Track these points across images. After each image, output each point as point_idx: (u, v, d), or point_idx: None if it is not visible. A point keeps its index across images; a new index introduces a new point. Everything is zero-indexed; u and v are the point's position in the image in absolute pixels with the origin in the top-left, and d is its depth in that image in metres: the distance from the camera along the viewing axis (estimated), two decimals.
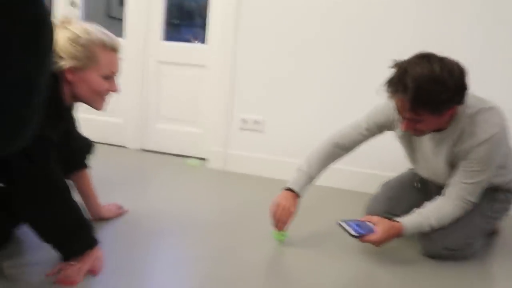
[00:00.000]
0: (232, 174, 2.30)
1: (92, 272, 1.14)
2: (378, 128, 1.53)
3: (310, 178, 1.54)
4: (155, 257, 1.31)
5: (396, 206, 1.60)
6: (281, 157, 2.27)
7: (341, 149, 1.57)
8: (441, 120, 1.31)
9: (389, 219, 1.40)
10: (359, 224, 1.37)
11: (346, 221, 1.38)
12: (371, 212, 1.61)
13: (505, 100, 1.60)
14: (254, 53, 2.24)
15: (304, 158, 1.58)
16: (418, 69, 1.21)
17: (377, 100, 2.10)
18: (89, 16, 2.66)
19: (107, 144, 2.62)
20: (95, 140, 1.57)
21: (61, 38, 1.14)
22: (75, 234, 1.13)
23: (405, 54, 1.32)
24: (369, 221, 1.38)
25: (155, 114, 2.59)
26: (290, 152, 2.25)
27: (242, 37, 2.24)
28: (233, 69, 2.28)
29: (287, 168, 2.25)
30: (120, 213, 1.58)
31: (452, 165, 1.40)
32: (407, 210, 1.49)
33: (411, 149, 1.54)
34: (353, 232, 1.32)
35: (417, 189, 1.66)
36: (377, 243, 1.34)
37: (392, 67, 1.29)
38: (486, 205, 1.46)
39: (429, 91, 1.20)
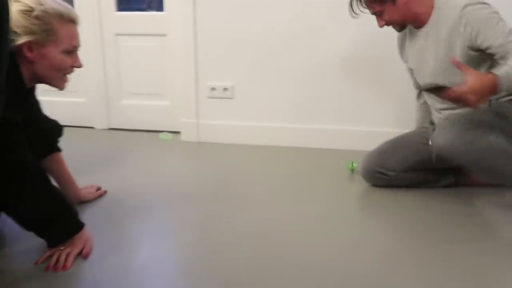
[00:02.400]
0: (207, 144, 2.28)
1: (83, 255, 1.12)
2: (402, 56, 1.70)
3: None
4: (144, 232, 1.30)
5: (389, 159, 1.59)
6: (253, 122, 2.26)
7: (417, 100, 1.78)
8: (399, 9, 1.45)
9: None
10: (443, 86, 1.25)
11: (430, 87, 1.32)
12: (364, 166, 1.64)
13: None
14: (216, 17, 2.16)
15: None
16: None
17: (348, 57, 2.11)
18: None
19: (72, 126, 2.50)
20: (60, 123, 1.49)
21: (13, 12, 1.05)
22: (59, 219, 1.09)
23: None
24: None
25: (118, 90, 2.48)
26: (262, 116, 2.24)
27: (201, 0, 2.15)
28: (195, 36, 2.20)
29: (260, 133, 2.26)
30: (99, 194, 1.54)
31: (468, 53, 1.36)
32: (400, 163, 1.55)
33: (420, 63, 1.56)
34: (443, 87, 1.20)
35: (419, 137, 1.63)
36: (472, 95, 1.13)
37: None
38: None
39: None
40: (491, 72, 1.20)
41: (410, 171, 1.60)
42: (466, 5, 1.35)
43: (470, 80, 1.15)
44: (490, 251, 1.20)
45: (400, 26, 1.53)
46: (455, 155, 1.32)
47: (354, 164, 1.76)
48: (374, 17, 1.52)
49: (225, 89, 2.25)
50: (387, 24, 1.51)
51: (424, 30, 1.49)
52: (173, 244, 1.24)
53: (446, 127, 1.37)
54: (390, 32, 1.62)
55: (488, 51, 1.33)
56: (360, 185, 1.69)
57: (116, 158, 2.03)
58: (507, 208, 1.48)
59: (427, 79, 1.53)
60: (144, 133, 2.45)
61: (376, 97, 2.11)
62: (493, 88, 1.16)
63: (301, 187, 1.67)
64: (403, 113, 2.09)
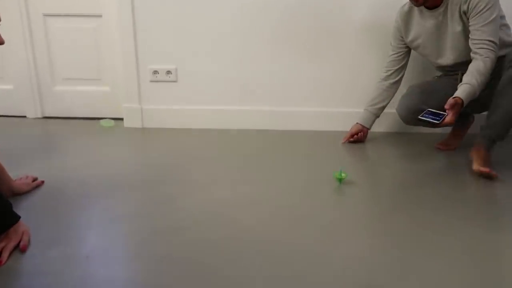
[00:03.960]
0: (151, 130, 2.22)
1: (20, 248, 1.05)
2: (399, 41, 1.84)
3: (375, 115, 1.97)
4: (86, 221, 1.24)
5: (429, 98, 1.72)
6: (199, 106, 2.23)
7: (386, 79, 1.91)
8: None
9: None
10: (432, 113, 1.55)
11: (423, 115, 1.56)
12: (407, 107, 1.75)
13: None
14: None
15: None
16: None
17: (297, 36, 2.11)
18: None
19: (1, 116, 2.31)
20: None
21: None
22: None
23: None
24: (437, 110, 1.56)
25: (50, 76, 2.32)
26: (208, 99, 2.22)
27: None
28: (134, 17, 2.11)
29: (207, 116, 2.24)
30: (36, 185, 1.44)
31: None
32: (438, 101, 1.62)
33: (433, 45, 1.73)
34: (435, 121, 1.52)
35: (445, 80, 1.81)
36: (452, 122, 1.52)
37: None
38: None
39: None
40: (456, 97, 1.53)
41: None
42: None
43: (450, 114, 1.52)
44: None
45: (427, 1, 1.63)
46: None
47: (343, 174, 1.51)
48: None
49: (168, 72, 2.19)
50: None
51: (440, 9, 1.65)
52: (119, 231, 1.19)
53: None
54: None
55: (469, 28, 1.59)
56: (305, 164, 1.74)
57: (53, 147, 1.90)
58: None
59: (447, 53, 1.71)
60: (83, 121, 2.32)
61: (320, 77, 2.17)
62: (461, 108, 1.55)
63: (249, 169, 1.69)
64: (353, 93, 2.17)
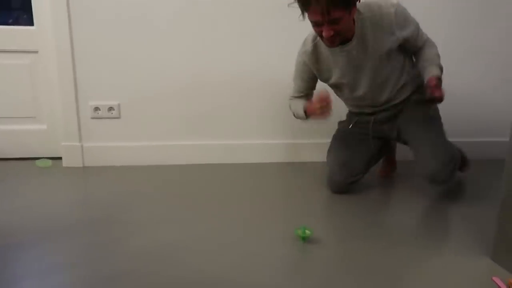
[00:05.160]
0: (93, 168, 2.11)
1: None
2: (306, 74, 1.73)
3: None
4: (19, 272, 1.13)
5: (354, 167, 1.76)
6: (144, 142, 2.17)
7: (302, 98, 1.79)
8: (350, 19, 1.49)
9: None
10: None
11: None
12: (333, 181, 1.77)
13: None
14: (94, 31, 2.03)
15: (295, 112, 1.80)
16: None
17: (239, 75, 2.15)
18: None
19: None
20: None
21: None
22: None
23: None
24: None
25: None
26: (152, 135, 2.17)
27: (76, 13, 2.01)
28: (73, 52, 2.04)
29: (152, 152, 2.18)
30: None
31: (389, 54, 1.59)
32: (364, 165, 1.76)
33: (355, 73, 1.64)
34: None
35: (359, 137, 1.81)
36: (442, 96, 1.50)
37: None
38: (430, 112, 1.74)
39: None
40: (435, 76, 1.55)
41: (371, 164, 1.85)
42: (396, 11, 1.53)
43: (437, 92, 1.51)
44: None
45: (341, 40, 1.52)
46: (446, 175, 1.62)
47: (307, 231, 1.35)
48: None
49: (111, 108, 2.13)
50: (335, 36, 1.47)
51: (353, 43, 1.56)
52: (58, 281, 1.10)
53: (429, 152, 1.63)
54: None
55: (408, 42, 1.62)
56: (249, 198, 1.74)
57: None
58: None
59: (364, 83, 1.66)
60: (17, 162, 2.16)
61: (264, 111, 2.22)
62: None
63: (196, 205, 1.65)
64: (294, 124, 2.23)
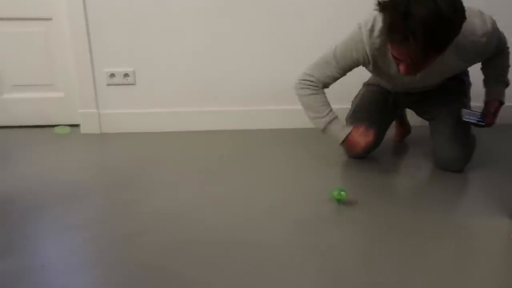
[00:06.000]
0: (110, 135, 2.13)
1: None
2: (350, 68, 1.47)
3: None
4: (40, 231, 1.17)
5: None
6: (160, 109, 2.17)
7: (322, 93, 1.54)
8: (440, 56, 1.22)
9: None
10: (473, 114, 1.52)
11: (466, 118, 1.51)
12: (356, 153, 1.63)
13: None
14: None
15: (310, 111, 1.56)
16: (422, 10, 1.03)
17: (259, 37, 2.07)
18: None
19: None
20: None
21: None
22: None
23: None
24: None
25: None
26: (168, 102, 2.17)
27: None
28: (87, 19, 2.02)
29: (168, 119, 2.19)
30: None
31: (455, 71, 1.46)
32: (381, 134, 1.67)
33: (389, 78, 1.51)
34: (481, 123, 1.52)
35: (382, 105, 1.68)
36: (493, 123, 1.51)
37: (383, 9, 1.10)
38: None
39: (440, 33, 1.08)
40: (493, 101, 1.53)
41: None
42: (486, 42, 1.32)
43: (491, 116, 1.52)
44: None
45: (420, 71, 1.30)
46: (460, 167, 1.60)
47: (342, 193, 1.31)
48: None
49: (126, 74, 2.12)
50: (415, 73, 1.27)
51: None
52: (77, 239, 1.13)
53: (448, 137, 1.57)
54: None
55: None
56: (269, 161, 1.74)
57: (3, 157, 1.79)
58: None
59: (416, 84, 1.51)
60: (36, 129, 2.20)
61: (282, 76, 2.18)
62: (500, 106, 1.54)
63: (213, 169, 1.66)
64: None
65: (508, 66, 1.55)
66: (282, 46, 2.13)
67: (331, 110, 1.53)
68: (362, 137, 1.49)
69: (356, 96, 1.82)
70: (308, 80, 1.52)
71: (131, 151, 1.88)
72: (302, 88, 1.54)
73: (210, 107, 2.19)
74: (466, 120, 1.52)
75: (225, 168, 1.65)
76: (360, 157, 1.74)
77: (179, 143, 1.99)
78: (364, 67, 1.51)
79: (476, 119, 1.52)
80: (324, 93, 1.54)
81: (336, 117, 1.53)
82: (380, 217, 1.26)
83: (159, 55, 2.11)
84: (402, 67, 1.23)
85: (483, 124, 1.53)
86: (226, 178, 1.55)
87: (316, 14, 2.07)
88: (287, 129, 2.19)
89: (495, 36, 1.36)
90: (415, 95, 1.68)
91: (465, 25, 1.17)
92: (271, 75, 2.17)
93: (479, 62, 1.49)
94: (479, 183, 1.51)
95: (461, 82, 1.66)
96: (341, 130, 1.52)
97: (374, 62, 1.41)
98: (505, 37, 1.49)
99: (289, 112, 2.21)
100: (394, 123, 2.00)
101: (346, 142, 1.53)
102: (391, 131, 1.96)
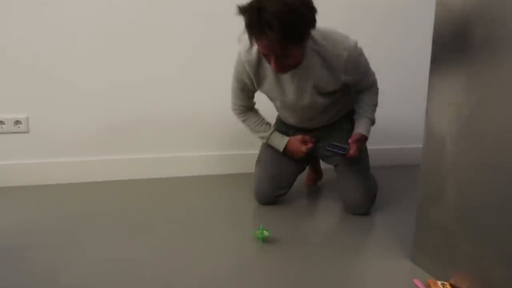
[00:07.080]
0: (2, 189, 1.87)
1: None
2: (248, 89, 1.58)
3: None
4: None
5: (280, 181, 1.70)
6: (57, 159, 1.97)
7: (252, 108, 1.70)
8: (302, 50, 1.37)
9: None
10: (335, 146, 1.57)
11: (329, 147, 1.56)
12: (260, 193, 1.70)
13: None
14: None
15: (251, 131, 1.71)
16: (273, 5, 1.18)
17: (156, 79, 1.99)
18: None
19: None
20: None
21: None
22: None
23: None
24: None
25: None
26: (67, 151, 1.98)
27: None
28: None
29: (66, 170, 1.98)
30: None
31: (325, 92, 1.50)
32: (288, 180, 1.71)
33: (281, 96, 1.54)
34: (342, 153, 1.54)
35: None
36: (355, 155, 1.53)
37: (241, 12, 1.23)
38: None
39: (293, 23, 1.20)
40: (359, 133, 1.55)
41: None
42: (350, 48, 1.40)
43: (354, 147, 1.54)
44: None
45: (290, 69, 1.40)
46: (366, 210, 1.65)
47: (265, 232, 1.35)
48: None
49: (17, 122, 1.91)
50: (285, 68, 1.37)
51: (298, 71, 1.44)
52: None
53: (351, 184, 1.63)
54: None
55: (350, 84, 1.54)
56: (179, 205, 1.63)
57: None
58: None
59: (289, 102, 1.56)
60: None
61: (184, 122, 2.12)
62: (365, 141, 1.60)
63: (130, 222, 1.50)
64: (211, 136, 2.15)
65: (375, 104, 1.60)
66: (191, 87, 2.09)
67: (266, 124, 1.70)
68: (302, 145, 1.66)
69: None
70: (235, 109, 1.69)
71: (30, 208, 1.64)
72: (236, 115, 1.71)
73: (116, 155, 2.04)
74: (329, 149, 1.57)
75: (141, 219, 1.50)
76: (269, 203, 1.72)
77: (82, 196, 1.80)
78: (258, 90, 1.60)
79: (340, 151, 1.56)
80: (254, 112, 1.70)
81: (273, 132, 1.70)
82: (291, 267, 1.20)
83: (56, 100, 1.93)
84: (272, 64, 1.32)
85: (344, 153, 1.55)
86: (135, 236, 1.40)
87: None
88: (196, 176, 2.12)
89: (359, 57, 1.45)
90: (313, 131, 1.70)
91: (330, 36, 1.40)
92: (181, 121, 2.10)
93: (347, 81, 1.49)
94: (384, 225, 1.54)
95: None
96: (279, 142, 1.69)
97: (256, 79, 1.52)
98: (374, 75, 1.58)
99: (199, 158, 2.14)
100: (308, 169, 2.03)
101: (287, 150, 1.68)
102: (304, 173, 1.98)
